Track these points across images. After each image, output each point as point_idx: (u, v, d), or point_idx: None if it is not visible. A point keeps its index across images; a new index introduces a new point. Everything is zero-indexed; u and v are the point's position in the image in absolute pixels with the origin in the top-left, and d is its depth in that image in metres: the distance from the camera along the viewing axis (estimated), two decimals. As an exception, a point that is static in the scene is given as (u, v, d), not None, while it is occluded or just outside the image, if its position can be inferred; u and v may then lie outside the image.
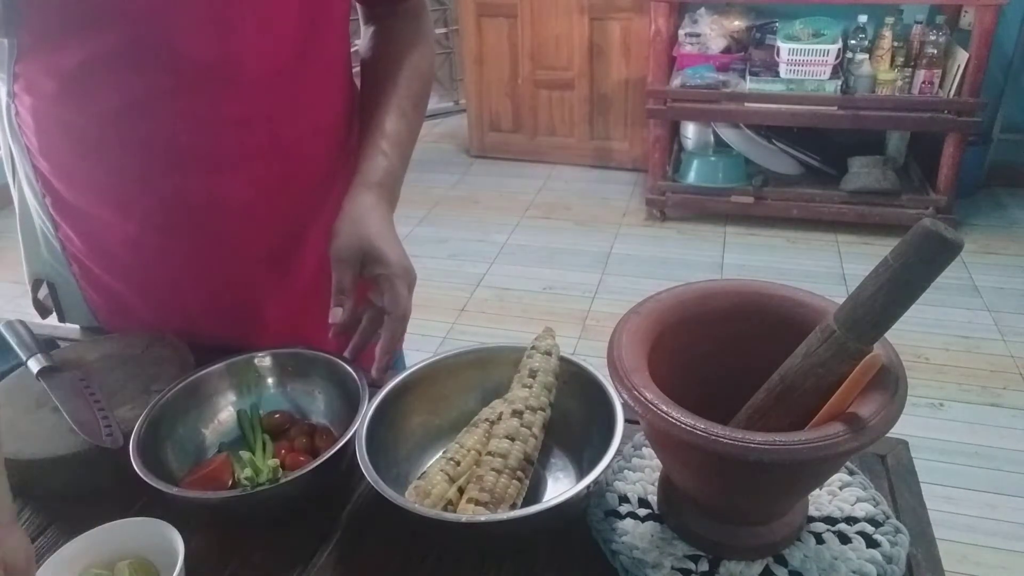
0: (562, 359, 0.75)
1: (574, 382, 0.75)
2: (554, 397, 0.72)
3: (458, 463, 0.68)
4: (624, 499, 0.70)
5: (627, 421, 0.67)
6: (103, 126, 0.78)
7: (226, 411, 0.81)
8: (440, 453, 0.71)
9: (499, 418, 0.71)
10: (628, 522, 0.68)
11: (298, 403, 0.82)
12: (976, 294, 2.75)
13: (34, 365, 0.83)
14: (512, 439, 0.67)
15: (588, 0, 3.49)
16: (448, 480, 0.67)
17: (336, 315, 0.78)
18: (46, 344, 0.88)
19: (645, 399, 0.56)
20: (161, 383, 0.81)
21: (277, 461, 0.71)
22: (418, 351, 0.95)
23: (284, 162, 0.85)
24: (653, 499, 0.70)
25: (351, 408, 0.74)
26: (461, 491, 0.67)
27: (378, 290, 0.80)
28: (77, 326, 1.01)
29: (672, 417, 0.54)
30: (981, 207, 3.30)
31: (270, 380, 0.83)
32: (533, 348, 0.74)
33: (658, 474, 0.71)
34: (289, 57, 0.79)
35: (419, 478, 0.68)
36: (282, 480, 0.67)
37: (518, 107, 3.87)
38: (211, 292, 0.92)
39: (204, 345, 0.89)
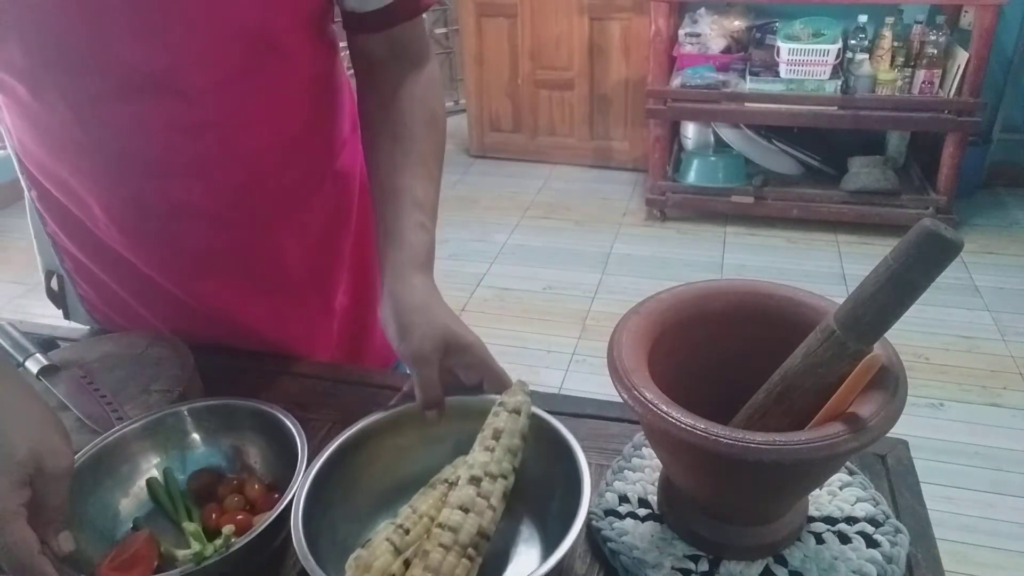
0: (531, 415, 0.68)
1: (541, 438, 0.68)
2: (519, 461, 0.65)
3: (407, 531, 0.62)
4: (624, 499, 0.70)
5: (627, 421, 0.67)
6: (62, 126, 0.77)
7: (144, 479, 0.73)
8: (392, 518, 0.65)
9: (458, 481, 0.64)
10: (628, 522, 0.68)
11: (226, 460, 0.75)
12: (976, 294, 2.75)
13: (32, 365, 0.82)
14: (466, 510, 0.60)
15: (588, 0, 3.49)
16: (394, 551, 0.60)
17: (433, 418, 0.71)
18: (46, 344, 0.88)
19: (645, 399, 0.56)
20: (161, 383, 0.80)
21: (232, 528, 0.63)
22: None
23: (245, 170, 0.83)
24: (653, 499, 0.70)
25: (289, 459, 0.67)
26: (408, 563, 0.60)
27: (463, 376, 0.75)
28: (78, 326, 1.01)
29: (672, 417, 0.54)
30: (981, 207, 3.30)
31: (191, 438, 0.75)
32: (500, 405, 0.68)
33: (658, 474, 0.71)
34: (236, 67, 0.76)
35: (363, 547, 0.61)
36: (234, 547, 0.60)
37: (518, 107, 3.86)
38: (191, 294, 0.91)
39: (204, 345, 0.89)
